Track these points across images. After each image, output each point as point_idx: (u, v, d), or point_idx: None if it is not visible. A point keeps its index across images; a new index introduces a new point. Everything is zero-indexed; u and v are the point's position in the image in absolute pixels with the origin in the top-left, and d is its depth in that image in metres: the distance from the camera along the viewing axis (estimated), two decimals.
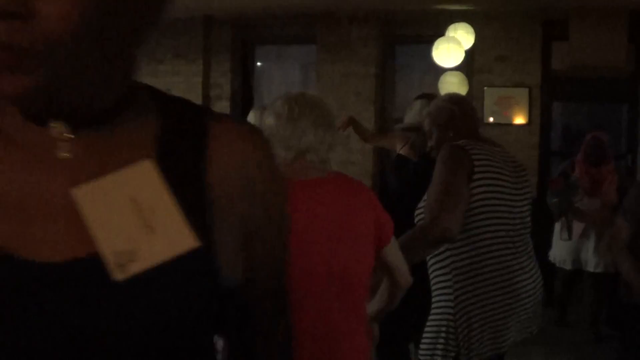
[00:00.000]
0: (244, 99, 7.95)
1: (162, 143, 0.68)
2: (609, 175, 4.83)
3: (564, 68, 6.71)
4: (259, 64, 8.28)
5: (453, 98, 2.66)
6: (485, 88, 6.96)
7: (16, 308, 0.57)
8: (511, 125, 6.87)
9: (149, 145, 0.67)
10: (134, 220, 0.63)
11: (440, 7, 6.72)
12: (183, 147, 0.68)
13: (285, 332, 0.85)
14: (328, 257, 1.76)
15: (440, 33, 5.94)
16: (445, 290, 2.37)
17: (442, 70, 5.94)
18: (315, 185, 1.82)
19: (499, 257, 2.34)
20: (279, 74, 7.97)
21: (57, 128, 0.64)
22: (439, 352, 2.34)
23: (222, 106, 7.83)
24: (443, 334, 2.34)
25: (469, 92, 6.27)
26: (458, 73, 6.02)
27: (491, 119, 6.86)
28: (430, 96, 3.88)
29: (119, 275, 0.60)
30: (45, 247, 0.60)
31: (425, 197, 2.38)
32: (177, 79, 7.81)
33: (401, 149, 3.88)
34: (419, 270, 2.26)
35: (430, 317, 2.42)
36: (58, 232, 0.61)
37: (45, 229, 0.61)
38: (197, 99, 7.76)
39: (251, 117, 3.51)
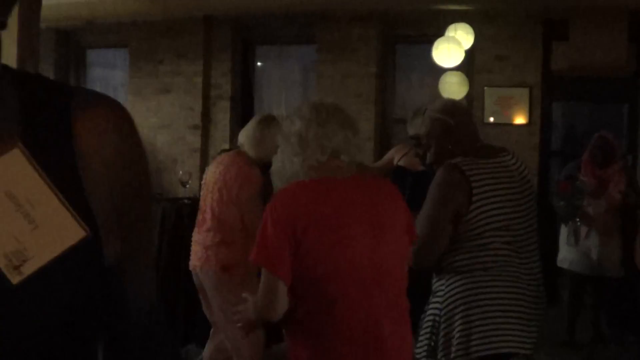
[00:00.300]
0: (244, 99, 7.96)
1: (25, 127, 0.64)
2: (615, 175, 4.67)
3: (564, 68, 6.71)
4: (259, 64, 8.27)
5: (447, 108, 2.54)
6: (486, 88, 6.96)
7: None
8: (511, 125, 6.87)
9: (13, 130, 0.63)
10: (14, 217, 0.58)
11: (440, 7, 6.72)
12: (48, 129, 0.65)
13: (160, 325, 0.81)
14: (371, 252, 1.84)
15: (441, 33, 5.94)
16: (438, 294, 2.41)
17: (442, 70, 5.95)
18: (352, 183, 1.92)
19: (500, 269, 2.33)
20: (279, 74, 7.97)
21: None
22: (423, 353, 2.40)
23: (222, 106, 7.83)
24: (428, 335, 2.39)
25: (469, 92, 6.28)
26: (458, 73, 6.03)
27: (491, 119, 6.86)
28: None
29: (15, 278, 0.57)
30: None
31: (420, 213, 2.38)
32: (178, 79, 7.82)
33: (400, 160, 3.86)
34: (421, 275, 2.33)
35: (423, 320, 2.46)
36: None
37: None
38: (198, 99, 7.77)
39: (252, 124, 3.51)
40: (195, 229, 3.51)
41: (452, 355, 2.30)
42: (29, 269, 0.58)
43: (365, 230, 1.85)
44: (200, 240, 3.44)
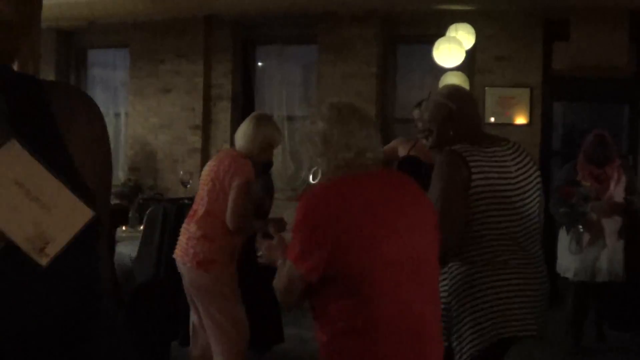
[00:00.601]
0: (245, 99, 7.95)
1: (15, 123, 0.67)
2: (614, 173, 4.46)
3: (565, 68, 6.70)
4: (260, 64, 8.27)
5: (452, 94, 2.55)
6: (487, 88, 6.96)
7: None
8: (512, 125, 6.86)
9: (5, 127, 0.66)
10: (28, 203, 0.61)
11: (441, 7, 6.72)
12: (35, 122, 0.69)
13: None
14: (406, 247, 1.85)
15: (441, 33, 5.94)
16: (444, 288, 2.42)
17: (443, 70, 5.94)
18: (381, 180, 1.94)
19: (501, 256, 2.35)
20: (279, 74, 7.97)
21: None
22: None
23: (223, 106, 7.83)
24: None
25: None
26: (459, 73, 6.02)
27: (492, 119, 6.86)
28: None
29: (43, 260, 0.61)
30: None
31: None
32: (178, 78, 7.82)
33: (411, 151, 3.89)
34: None
35: None
36: None
37: None
38: (198, 99, 7.77)
39: (246, 121, 3.54)
40: (186, 220, 3.56)
41: (467, 341, 2.33)
42: (52, 250, 0.61)
43: (398, 226, 1.86)
44: (184, 231, 3.50)
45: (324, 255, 1.78)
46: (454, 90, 2.68)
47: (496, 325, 2.31)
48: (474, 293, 2.34)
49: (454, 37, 5.78)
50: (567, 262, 4.60)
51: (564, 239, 4.63)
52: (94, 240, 0.68)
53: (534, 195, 2.48)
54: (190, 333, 3.69)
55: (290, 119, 7.96)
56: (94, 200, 0.68)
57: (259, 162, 3.58)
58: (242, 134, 3.51)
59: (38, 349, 0.62)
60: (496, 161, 2.40)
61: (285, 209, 5.22)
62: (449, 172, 2.35)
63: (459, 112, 2.48)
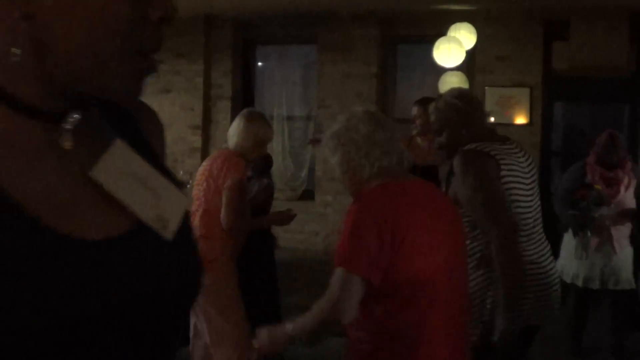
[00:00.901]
0: (245, 98, 7.96)
1: (110, 125, 0.75)
2: (625, 177, 4.23)
3: (565, 68, 6.71)
4: (260, 63, 8.28)
5: (462, 94, 2.63)
6: (486, 88, 6.96)
7: (90, 283, 0.63)
8: (512, 125, 6.87)
9: (102, 129, 0.74)
10: (143, 189, 0.71)
11: (441, 7, 6.73)
12: (127, 127, 0.77)
13: None
14: (447, 251, 1.86)
15: (442, 33, 5.94)
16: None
17: (443, 70, 5.94)
18: (418, 184, 1.96)
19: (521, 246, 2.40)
20: (280, 74, 7.97)
21: (67, 122, 0.69)
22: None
23: (223, 106, 7.83)
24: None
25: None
26: (458, 73, 6.02)
27: (492, 119, 6.86)
28: (428, 100, 3.91)
29: (169, 235, 0.71)
30: (90, 227, 0.66)
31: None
32: (178, 78, 7.82)
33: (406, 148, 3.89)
34: None
35: None
36: (96, 212, 0.68)
37: (84, 211, 0.67)
38: (198, 99, 7.77)
39: (237, 118, 3.55)
40: None
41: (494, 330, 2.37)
42: (172, 227, 0.72)
43: (440, 230, 1.87)
44: None
45: (386, 250, 1.76)
46: (464, 91, 2.78)
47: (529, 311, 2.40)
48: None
49: (454, 37, 5.78)
50: (574, 268, 4.38)
51: (569, 243, 4.42)
52: (189, 221, 0.78)
53: (537, 193, 2.56)
54: (191, 334, 3.68)
55: (290, 118, 7.96)
56: (183, 189, 0.79)
57: (254, 159, 3.58)
58: (234, 132, 3.51)
59: (168, 313, 0.71)
60: (513, 157, 2.45)
61: (285, 210, 5.21)
62: (480, 167, 2.38)
63: (472, 112, 2.54)
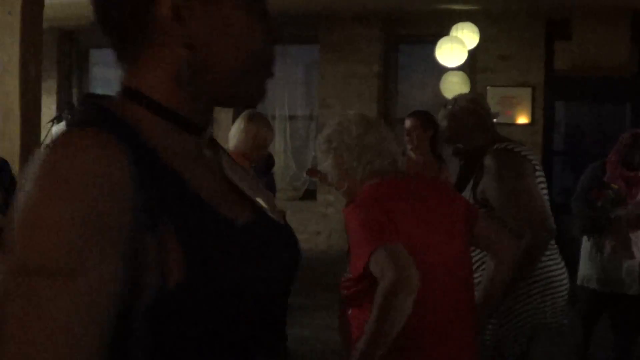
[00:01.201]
0: None
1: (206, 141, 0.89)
2: None
3: (567, 67, 6.70)
4: None
5: (475, 99, 2.67)
6: (488, 87, 6.96)
7: (268, 255, 0.79)
8: (514, 124, 6.87)
9: (204, 143, 0.87)
10: (249, 185, 0.86)
11: (443, 6, 6.73)
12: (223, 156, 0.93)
13: None
14: (449, 247, 1.86)
15: (444, 33, 5.94)
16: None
17: (445, 70, 5.94)
18: (417, 184, 1.97)
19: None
20: (281, 74, 7.97)
21: (207, 133, 0.84)
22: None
23: None
24: None
25: (471, 92, 6.28)
26: (460, 73, 6.03)
27: (495, 120, 6.86)
28: (421, 113, 4.06)
29: (281, 221, 0.87)
30: (237, 216, 0.79)
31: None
32: None
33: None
34: None
35: None
36: (233, 205, 0.81)
37: (230, 206, 0.80)
38: None
39: (238, 122, 3.55)
40: None
41: (515, 324, 2.39)
42: (279, 215, 0.88)
43: (440, 229, 1.87)
44: None
45: (393, 230, 1.75)
46: (475, 95, 2.87)
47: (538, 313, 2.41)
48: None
49: (456, 37, 5.77)
50: (590, 271, 4.25)
51: (586, 246, 4.29)
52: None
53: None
54: None
55: (292, 118, 7.96)
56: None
57: (255, 160, 3.58)
58: (235, 133, 3.51)
59: (294, 279, 0.87)
60: (536, 158, 2.49)
61: (286, 209, 5.22)
62: (515, 167, 2.37)
63: (487, 114, 2.59)
